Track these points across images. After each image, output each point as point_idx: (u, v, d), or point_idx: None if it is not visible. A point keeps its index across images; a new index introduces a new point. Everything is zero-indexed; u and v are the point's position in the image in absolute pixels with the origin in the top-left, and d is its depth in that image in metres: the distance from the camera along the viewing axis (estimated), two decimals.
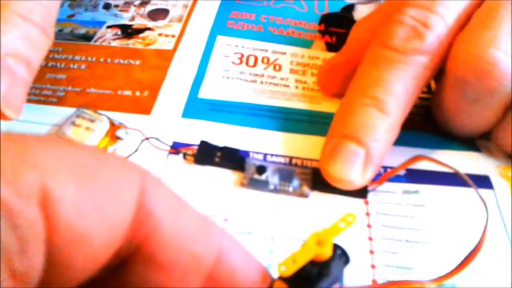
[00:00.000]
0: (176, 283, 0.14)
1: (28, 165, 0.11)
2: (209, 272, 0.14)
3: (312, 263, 0.16)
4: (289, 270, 0.15)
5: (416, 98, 0.25)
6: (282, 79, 0.32)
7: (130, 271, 0.13)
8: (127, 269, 0.13)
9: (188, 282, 0.14)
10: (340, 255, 0.17)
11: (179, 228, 0.14)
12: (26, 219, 0.11)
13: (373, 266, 0.21)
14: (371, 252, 0.22)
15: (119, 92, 0.30)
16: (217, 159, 0.25)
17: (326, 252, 0.16)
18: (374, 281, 0.21)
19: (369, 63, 0.25)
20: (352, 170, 0.23)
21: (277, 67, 0.33)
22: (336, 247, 0.17)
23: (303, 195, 0.24)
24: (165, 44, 0.34)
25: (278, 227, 0.23)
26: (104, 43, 0.34)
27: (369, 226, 0.23)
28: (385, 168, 0.25)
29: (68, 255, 0.11)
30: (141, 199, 0.13)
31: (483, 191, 0.24)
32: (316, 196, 0.24)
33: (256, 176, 0.24)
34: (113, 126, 0.26)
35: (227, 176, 0.25)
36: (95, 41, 0.34)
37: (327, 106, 0.30)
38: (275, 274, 0.16)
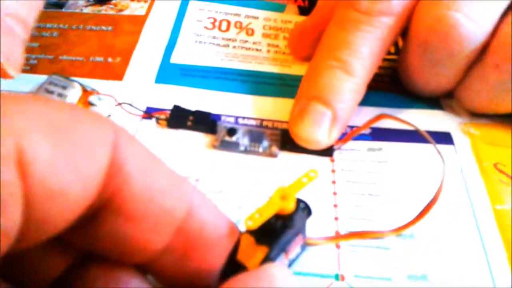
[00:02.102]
0: (145, 234, 0.15)
1: (5, 129, 0.11)
2: (179, 225, 0.15)
3: (277, 217, 0.17)
4: (255, 224, 0.16)
5: (381, 59, 0.26)
6: (254, 43, 0.32)
7: (101, 221, 0.14)
8: (98, 220, 0.14)
9: (158, 233, 0.15)
10: (303, 208, 0.18)
11: (149, 182, 0.14)
12: (4, 181, 0.11)
13: (336, 219, 0.22)
14: (335, 205, 0.23)
15: (91, 58, 0.30)
16: (189, 123, 0.26)
17: (290, 206, 0.17)
18: (336, 232, 0.22)
19: (335, 25, 0.26)
20: (319, 131, 0.24)
21: (249, 32, 0.33)
22: (299, 201, 0.18)
23: (272, 155, 0.25)
24: (137, 9, 0.34)
25: (247, 186, 0.24)
26: (76, 10, 0.34)
27: (333, 182, 0.24)
28: (351, 127, 0.26)
29: (44, 210, 0.12)
30: (113, 154, 0.14)
31: (444, 147, 0.26)
32: (285, 156, 0.25)
33: (227, 138, 0.25)
34: (86, 92, 0.27)
35: (199, 139, 0.26)
36: (67, 8, 0.34)
37: (298, 69, 0.30)
38: (242, 229, 0.17)
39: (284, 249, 0.17)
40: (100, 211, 0.14)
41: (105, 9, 0.34)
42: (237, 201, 0.23)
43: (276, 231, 0.17)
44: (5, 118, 0.12)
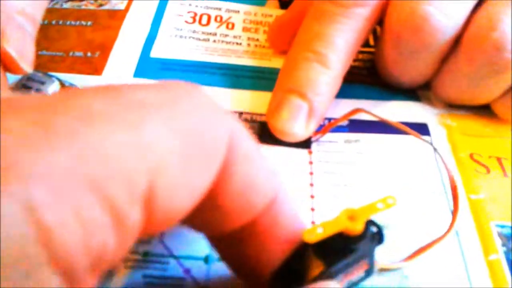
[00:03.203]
0: (226, 222, 0.15)
1: (136, 165, 0.11)
2: (256, 216, 0.15)
3: (341, 237, 0.16)
4: (314, 238, 0.15)
5: (357, 50, 0.26)
6: (234, 37, 0.32)
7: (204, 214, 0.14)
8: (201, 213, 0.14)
9: (237, 220, 0.15)
10: (374, 234, 0.17)
11: (250, 180, 0.14)
12: (130, 221, 0.11)
13: (312, 209, 0.23)
14: (312, 196, 0.23)
15: (71, 53, 0.30)
16: None
17: (357, 229, 0.15)
18: (313, 222, 0.22)
19: (311, 18, 0.26)
20: (296, 124, 0.24)
21: (230, 26, 0.33)
22: (371, 224, 0.16)
23: None
24: (117, 4, 0.34)
25: None
26: (56, 6, 0.34)
27: (311, 173, 0.24)
28: (329, 119, 0.27)
29: (173, 193, 0.12)
30: (226, 158, 0.13)
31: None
32: (263, 149, 0.25)
33: None
34: (64, 87, 0.27)
35: None
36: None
37: (277, 62, 0.30)
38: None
39: (343, 271, 0.16)
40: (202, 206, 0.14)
41: (85, 4, 0.34)
42: None
43: (337, 252, 0.16)
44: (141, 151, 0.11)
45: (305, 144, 0.25)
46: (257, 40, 0.32)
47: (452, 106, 0.28)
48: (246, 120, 0.27)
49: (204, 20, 0.33)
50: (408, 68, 0.26)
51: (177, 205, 0.12)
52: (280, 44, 0.31)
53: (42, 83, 0.26)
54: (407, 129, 0.24)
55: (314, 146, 0.25)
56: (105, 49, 0.30)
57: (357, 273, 0.17)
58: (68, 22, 0.32)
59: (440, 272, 0.20)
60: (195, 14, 0.34)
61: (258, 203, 0.15)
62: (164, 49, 0.31)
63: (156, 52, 0.30)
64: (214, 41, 0.32)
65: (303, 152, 0.25)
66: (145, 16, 0.33)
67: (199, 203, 0.13)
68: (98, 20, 0.33)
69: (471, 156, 0.25)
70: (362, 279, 0.18)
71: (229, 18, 0.34)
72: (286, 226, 0.16)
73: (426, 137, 0.26)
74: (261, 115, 0.27)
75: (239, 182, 0.14)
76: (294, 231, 0.16)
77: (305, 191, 0.23)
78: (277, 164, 0.24)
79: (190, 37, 0.32)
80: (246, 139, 0.15)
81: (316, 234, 0.15)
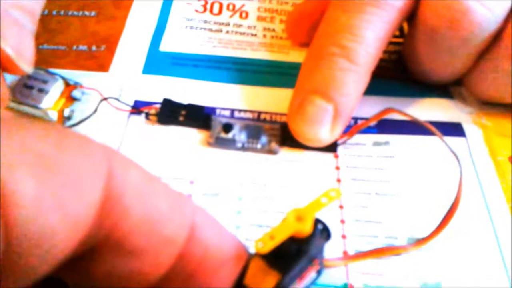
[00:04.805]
0: (147, 267, 0.13)
1: None
2: (181, 250, 0.14)
3: (292, 239, 0.15)
4: (267, 247, 0.14)
5: (387, 44, 0.24)
6: (249, 27, 0.30)
7: (98, 259, 0.13)
8: (95, 257, 0.13)
9: (159, 263, 0.13)
10: (322, 230, 0.17)
11: (149, 212, 0.13)
12: None
13: (342, 221, 0.21)
14: (341, 207, 0.21)
15: (74, 47, 0.28)
16: (181, 118, 0.24)
17: (307, 229, 0.15)
18: (343, 236, 0.20)
19: (337, 7, 0.24)
20: (320, 129, 0.22)
21: (243, 15, 0.31)
22: (317, 222, 0.16)
23: (272, 151, 0.23)
24: None
25: (245, 187, 0.22)
26: None
27: (338, 180, 0.22)
28: (355, 119, 0.25)
29: (26, 254, 0.11)
30: (108, 187, 0.12)
31: (455, 140, 0.24)
32: (285, 153, 0.23)
33: (223, 135, 0.23)
34: (68, 86, 0.25)
35: (193, 136, 0.24)
36: None
37: (296, 55, 0.28)
38: (253, 250, 0.15)
39: (298, 276, 0.16)
40: (96, 249, 0.12)
41: None
42: (235, 205, 0.21)
43: (290, 256, 0.15)
44: None
45: (331, 147, 0.23)
46: (273, 30, 0.30)
47: (487, 104, 0.26)
48: (265, 120, 0.25)
49: (215, 9, 0.31)
50: (443, 64, 0.24)
51: (45, 223, 0.11)
52: (299, 35, 0.29)
53: (45, 82, 0.24)
54: (438, 133, 0.22)
55: (340, 149, 0.23)
56: (111, 42, 0.28)
57: (309, 275, 0.17)
58: (70, 12, 0.30)
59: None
60: (206, 2, 0.31)
61: (172, 236, 0.13)
62: (174, 41, 0.29)
63: (166, 45, 0.28)
64: (227, 32, 0.30)
65: (329, 156, 0.23)
66: (152, 4, 0.31)
67: (96, 244, 0.12)
68: (102, 10, 0.30)
69: (510, 159, 0.23)
70: (314, 279, 0.17)
71: (242, 6, 0.31)
72: (219, 248, 0.15)
73: (461, 139, 0.24)
74: (281, 114, 0.25)
75: (137, 215, 0.13)
76: (233, 248, 0.15)
77: (340, 197, 0.21)
78: (301, 170, 0.22)
79: (201, 28, 0.30)
80: (133, 167, 0.13)
81: (267, 242, 0.14)
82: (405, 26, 0.28)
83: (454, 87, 0.26)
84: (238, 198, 0.21)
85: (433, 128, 0.21)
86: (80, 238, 0.11)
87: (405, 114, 0.22)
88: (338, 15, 0.23)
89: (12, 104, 0.24)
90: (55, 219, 0.11)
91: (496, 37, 0.22)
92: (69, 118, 0.24)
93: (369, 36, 0.23)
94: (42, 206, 0.10)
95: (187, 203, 0.14)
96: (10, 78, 0.25)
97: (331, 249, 0.19)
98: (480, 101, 0.26)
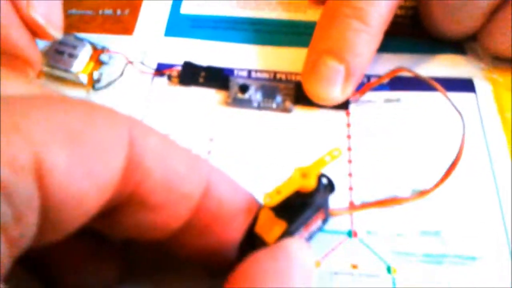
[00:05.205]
0: (166, 219, 0.15)
1: (23, 140, 0.11)
2: (197, 204, 0.15)
3: (298, 194, 0.17)
4: (274, 200, 0.16)
5: (398, 5, 0.24)
6: None
7: (123, 214, 0.15)
8: (120, 213, 0.15)
9: (178, 216, 0.15)
10: (326, 185, 0.18)
11: (168, 172, 0.15)
12: (21, 193, 0.11)
13: (350, 175, 0.22)
14: (349, 161, 0.23)
15: (100, 12, 0.29)
16: (201, 80, 0.25)
17: (311, 184, 0.16)
18: (350, 188, 0.22)
19: None
20: (333, 88, 0.23)
21: None
22: (322, 176, 0.18)
23: (286, 110, 0.24)
24: None
25: (262, 144, 0.23)
26: None
27: (348, 137, 0.24)
28: (368, 77, 0.26)
29: (61, 215, 0.12)
30: (130, 153, 0.14)
31: (464, 95, 0.25)
32: (299, 111, 0.25)
33: (239, 95, 0.25)
34: (96, 51, 0.26)
35: (212, 96, 0.25)
36: None
37: (313, 14, 0.29)
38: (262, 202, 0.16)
39: (303, 224, 0.17)
40: (122, 205, 0.14)
41: None
42: (253, 162, 0.23)
43: (296, 208, 0.17)
44: (22, 130, 0.12)
45: (343, 105, 0.24)
46: None
47: (500, 60, 0.26)
48: (281, 80, 0.26)
49: None
50: (455, 22, 0.24)
51: (77, 190, 0.12)
52: None
53: (74, 47, 0.26)
54: (442, 89, 0.23)
55: (352, 106, 0.25)
56: (135, 6, 0.30)
57: (315, 223, 0.18)
58: None
59: (479, 236, 0.20)
60: None
61: (189, 193, 0.15)
62: (194, 3, 0.30)
63: (186, 8, 0.29)
64: None
65: (341, 114, 0.24)
66: None
67: (122, 201, 0.14)
68: None
69: None
70: (320, 227, 0.19)
71: None
72: (233, 201, 0.16)
73: (470, 95, 0.25)
74: (296, 74, 0.26)
75: (158, 176, 0.14)
76: (245, 202, 0.17)
77: (342, 156, 0.23)
78: (313, 128, 0.24)
79: None
80: (152, 135, 0.15)
81: (274, 196, 0.16)
82: None
83: (468, 43, 0.27)
84: (255, 155, 0.23)
85: (437, 85, 0.22)
86: (107, 198, 0.13)
87: (415, 73, 0.23)
88: None
89: (46, 69, 0.26)
90: (85, 185, 0.12)
91: None
92: (98, 80, 0.26)
93: None
94: (74, 176, 0.12)
95: (203, 163, 0.16)
96: (42, 44, 0.27)
97: (338, 200, 0.21)
98: (493, 56, 0.26)
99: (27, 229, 0.12)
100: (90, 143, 0.13)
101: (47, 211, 0.12)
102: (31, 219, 0.12)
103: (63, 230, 0.13)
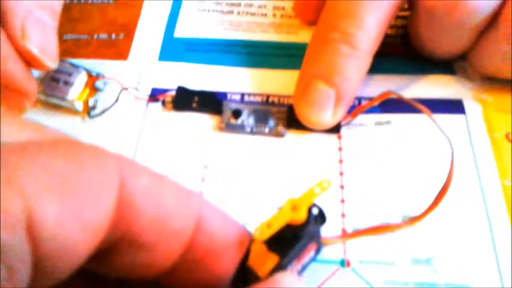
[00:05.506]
0: (159, 257, 0.15)
1: (16, 194, 0.11)
2: (189, 240, 0.16)
3: (288, 226, 0.17)
4: (264, 235, 0.16)
5: (388, 27, 0.25)
6: (259, 7, 0.31)
7: (115, 254, 0.15)
8: (112, 253, 0.15)
9: (171, 253, 0.15)
10: (316, 216, 0.18)
11: (159, 211, 0.15)
12: (14, 249, 0.11)
13: (342, 201, 0.23)
14: (342, 187, 0.23)
15: (95, 36, 0.30)
16: (194, 105, 0.26)
17: (301, 217, 0.17)
18: (343, 215, 0.22)
19: None
20: (323, 112, 0.24)
21: None
22: (314, 206, 0.18)
23: (279, 134, 0.25)
24: None
25: (256, 169, 0.24)
26: None
27: (340, 161, 0.24)
28: (359, 99, 0.26)
29: (53, 263, 0.13)
30: (121, 194, 0.14)
31: (454, 117, 0.25)
32: (292, 135, 0.25)
33: (232, 121, 0.25)
34: (91, 77, 0.27)
35: (206, 121, 0.26)
36: None
37: (304, 35, 0.29)
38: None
39: (296, 257, 0.17)
40: (114, 245, 0.15)
41: None
42: (247, 189, 0.23)
43: (287, 241, 0.17)
44: (12, 182, 0.12)
45: (335, 128, 0.25)
46: (283, 8, 0.31)
47: (489, 79, 0.26)
48: (273, 103, 0.26)
49: None
50: (444, 43, 0.25)
51: (68, 237, 0.12)
52: (306, 13, 0.29)
53: (69, 74, 0.27)
54: (427, 112, 0.23)
55: (343, 130, 0.25)
56: (129, 29, 0.30)
57: (308, 254, 0.18)
58: (90, 1, 0.32)
59: (470, 264, 0.20)
60: None
61: (181, 229, 0.15)
62: (188, 26, 0.30)
63: (180, 31, 0.30)
64: (239, 13, 0.31)
65: (332, 137, 0.25)
66: None
67: (114, 242, 0.14)
68: None
69: (506, 136, 0.24)
70: (313, 258, 0.19)
71: None
72: (224, 235, 0.16)
73: (460, 116, 0.25)
74: (289, 96, 0.26)
75: (149, 215, 0.14)
76: (237, 235, 0.17)
77: (335, 181, 0.23)
78: (305, 152, 0.24)
79: (214, 10, 0.31)
80: (143, 173, 0.15)
81: (265, 230, 0.16)
82: None
83: (457, 62, 0.27)
84: (248, 181, 0.23)
85: (424, 108, 0.22)
86: (99, 241, 0.14)
87: (402, 98, 0.23)
88: (339, 0, 0.24)
89: (42, 97, 0.26)
90: (75, 231, 0.13)
91: (493, 19, 0.23)
92: (93, 107, 0.26)
93: (369, 21, 0.23)
94: (64, 223, 0.12)
95: (194, 197, 0.16)
96: (37, 72, 0.27)
97: (330, 227, 0.21)
98: (482, 76, 0.26)
99: (20, 282, 0.12)
100: (80, 188, 0.13)
101: (39, 262, 0.12)
102: (24, 273, 0.12)
103: (56, 277, 0.13)
